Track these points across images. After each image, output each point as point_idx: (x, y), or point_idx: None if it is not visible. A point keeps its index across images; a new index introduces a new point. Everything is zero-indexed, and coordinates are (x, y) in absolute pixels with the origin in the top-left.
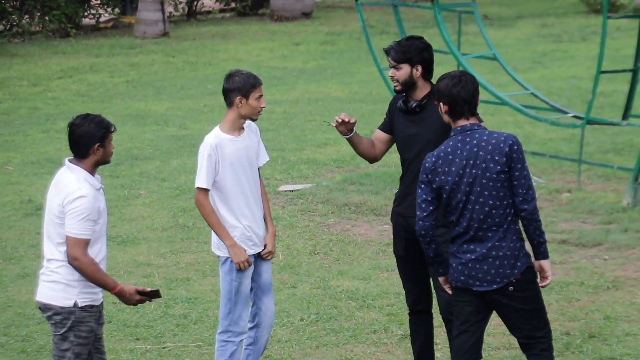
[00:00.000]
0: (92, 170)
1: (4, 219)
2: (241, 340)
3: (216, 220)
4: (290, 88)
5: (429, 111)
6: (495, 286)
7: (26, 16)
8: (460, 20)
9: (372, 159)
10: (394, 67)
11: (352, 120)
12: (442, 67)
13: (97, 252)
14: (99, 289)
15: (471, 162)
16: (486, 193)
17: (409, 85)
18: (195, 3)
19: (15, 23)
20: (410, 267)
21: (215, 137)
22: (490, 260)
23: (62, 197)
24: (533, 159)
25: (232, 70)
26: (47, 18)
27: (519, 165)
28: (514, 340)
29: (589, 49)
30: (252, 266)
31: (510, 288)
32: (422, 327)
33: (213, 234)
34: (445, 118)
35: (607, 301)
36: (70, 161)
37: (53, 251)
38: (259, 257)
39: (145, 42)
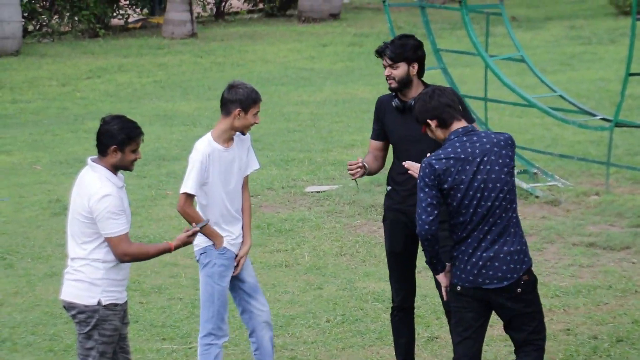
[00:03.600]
0: (113, 170)
1: (32, 219)
2: (224, 343)
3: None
4: (317, 89)
5: None
6: (506, 283)
7: (56, 16)
8: (488, 22)
9: (379, 170)
10: (389, 66)
11: (360, 160)
12: (470, 68)
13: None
14: (123, 288)
15: (485, 158)
16: (505, 188)
17: (405, 83)
18: (223, 4)
19: (44, 23)
20: (404, 264)
21: (209, 144)
22: (501, 256)
23: (87, 198)
24: (561, 161)
25: (236, 82)
26: (76, 18)
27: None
28: None
29: (617, 51)
30: (232, 270)
31: (519, 290)
32: (408, 322)
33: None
34: (439, 134)
35: (636, 305)
36: (92, 160)
37: (76, 250)
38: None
39: (173, 42)
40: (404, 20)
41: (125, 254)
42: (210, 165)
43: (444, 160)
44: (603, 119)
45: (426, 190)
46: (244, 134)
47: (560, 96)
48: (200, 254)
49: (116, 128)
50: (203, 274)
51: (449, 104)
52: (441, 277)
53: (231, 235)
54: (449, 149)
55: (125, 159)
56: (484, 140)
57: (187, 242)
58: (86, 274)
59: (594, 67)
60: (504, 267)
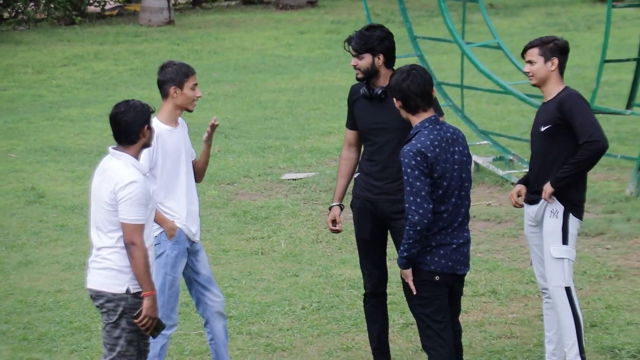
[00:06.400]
0: (137, 156)
1: (6, 207)
2: (171, 334)
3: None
4: (294, 77)
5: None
6: (468, 269)
7: (31, 3)
8: (465, 9)
9: (357, 165)
10: (355, 56)
11: (338, 219)
12: (447, 56)
13: (147, 238)
14: None
15: (456, 148)
16: (470, 178)
17: (371, 74)
18: None
19: (20, 10)
20: (374, 250)
21: (156, 126)
22: (468, 244)
23: (113, 184)
24: None
25: (165, 62)
26: (52, 5)
27: None
28: (515, 329)
29: (594, 38)
30: (185, 260)
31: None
32: (381, 309)
33: None
34: (402, 113)
35: (609, 290)
36: (114, 149)
37: (103, 239)
38: (192, 254)
39: (150, 30)
40: (382, 8)
41: (134, 243)
42: (161, 145)
43: (431, 148)
44: None
45: (422, 178)
46: (190, 110)
47: None
48: (155, 244)
49: (139, 110)
50: (156, 264)
51: (417, 93)
52: (409, 271)
53: (182, 219)
54: (431, 137)
55: (153, 133)
56: (451, 130)
57: (156, 311)
58: (114, 261)
59: (570, 54)
60: (468, 253)
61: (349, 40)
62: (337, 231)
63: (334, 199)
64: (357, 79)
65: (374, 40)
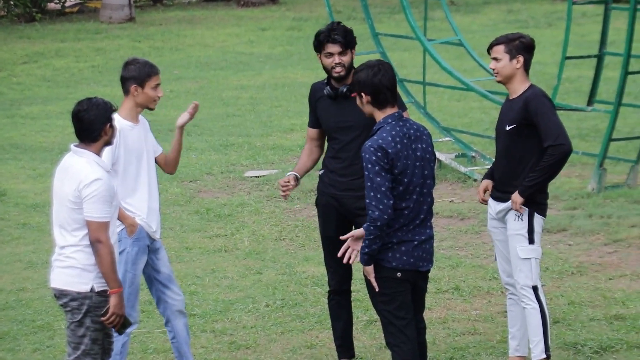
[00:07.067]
0: (99, 154)
1: None
2: (132, 332)
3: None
4: (256, 73)
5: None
6: (430, 266)
7: None
8: (427, 6)
9: (317, 160)
10: (339, 53)
11: (290, 179)
12: (409, 52)
13: (111, 235)
14: None
15: (420, 145)
16: (432, 175)
17: (350, 69)
18: None
19: None
20: (339, 247)
21: (117, 123)
22: (431, 241)
23: (77, 182)
24: None
25: (129, 59)
26: (11, 2)
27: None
28: (479, 326)
29: (554, 35)
30: (145, 257)
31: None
32: (345, 306)
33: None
34: (367, 109)
35: (572, 286)
36: (76, 146)
37: (67, 237)
38: (152, 253)
39: (111, 27)
40: (343, 5)
41: (100, 241)
42: (122, 142)
43: (393, 144)
44: None
45: (383, 174)
46: (151, 109)
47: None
48: (117, 240)
49: (101, 109)
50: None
51: (388, 87)
52: (371, 268)
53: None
54: (393, 133)
55: (115, 131)
56: (414, 127)
57: (123, 309)
58: (79, 260)
59: None
60: (431, 250)
61: (330, 38)
62: (286, 189)
63: (294, 170)
64: (341, 77)
65: (353, 36)
